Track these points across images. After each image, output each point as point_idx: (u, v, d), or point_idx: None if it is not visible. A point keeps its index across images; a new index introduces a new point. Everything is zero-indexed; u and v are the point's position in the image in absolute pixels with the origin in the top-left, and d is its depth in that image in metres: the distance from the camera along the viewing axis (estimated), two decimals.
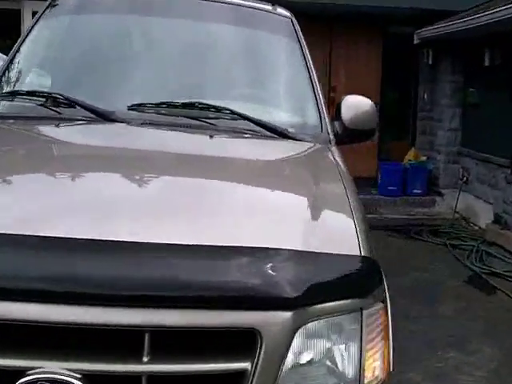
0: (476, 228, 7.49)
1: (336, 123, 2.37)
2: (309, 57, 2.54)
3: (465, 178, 8.10)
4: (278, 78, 2.58)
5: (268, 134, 2.12)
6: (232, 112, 2.14)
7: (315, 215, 1.49)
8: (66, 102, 2.08)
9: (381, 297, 1.41)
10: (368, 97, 2.46)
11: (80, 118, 2.04)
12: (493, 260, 6.12)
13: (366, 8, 7.99)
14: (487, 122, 7.50)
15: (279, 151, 2.11)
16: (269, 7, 2.75)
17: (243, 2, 2.72)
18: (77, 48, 2.53)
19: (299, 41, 2.58)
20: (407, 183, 8.52)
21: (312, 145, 2.16)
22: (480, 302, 5.02)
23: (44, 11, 2.59)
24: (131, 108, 2.10)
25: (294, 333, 1.24)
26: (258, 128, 2.12)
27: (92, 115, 2.04)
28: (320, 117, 2.33)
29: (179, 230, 1.34)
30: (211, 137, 2.01)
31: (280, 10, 2.77)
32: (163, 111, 2.11)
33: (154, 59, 2.45)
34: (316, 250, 1.34)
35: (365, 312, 1.33)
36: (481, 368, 3.85)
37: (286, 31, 2.64)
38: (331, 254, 1.36)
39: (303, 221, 1.45)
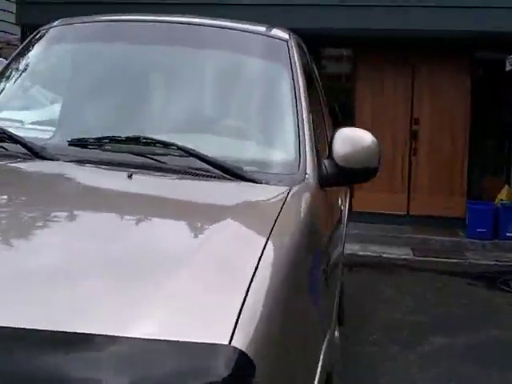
0: None
1: (326, 161, 1.97)
2: (300, 83, 2.17)
3: None
4: (251, 108, 2.23)
5: (220, 173, 1.78)
6: (178, 148, 1.83)
7: (189, 290, 1.12)
8: (7, 137, 1.93)
9: None
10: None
11: (18, 154, 1.88)
12: None
13: (449, 33, 7.35)
14: None
15: (206, 200, 1.72)
16: (262, 29, 2.44)
17: (231, 25, 2.45)
18: (39, 79, 2.52)
19: (291, 65, 2.22)
20: (499, 225, 7.61)
21: (270, 189, 1.76)
22: None
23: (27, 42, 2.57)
24: (72, 143, 1.92)
25: None
26: (207, 167, 1.79)
27: (27, 152, 1.87)
28: (299, 153, 1.94)
29: None
30: (129, 177, 1.70)
31: (275, 32, 2.43)
32: (107, 147, 1.89)
33: (115, 89, 2.29)
34: (149, 337, 0.99)
35: None
36: None
37: (275, 55, 2.31)
38: (166, 340, 0.98)
39: (163, 296, 1.09)
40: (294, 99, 2.10)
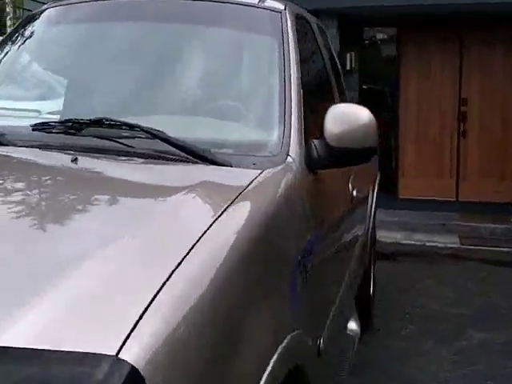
0: None
1: (316, 141, 1.79)
2: (291, 57, 2.00)
3: None
4: (232, 86, 2.09)
5: (186, 156, 1.63)
6: (142, 129, 1.69)
7: (88, 287, 0.95)
8: None
9: None
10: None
11: None
12: None
13: (501, 5, 6.86)
14: None
15: (153, 185, 1.57)
16: (255, 1, 2.27)
17: None
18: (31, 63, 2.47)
19: (283, 37, 2.06)
20: None
21: (236, 172, 1.59)
22: None
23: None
24: (35, 128, 1.82)
25: None
26: (173, 149, 1.64)
27: None
28: (283, 134, 1.77)
29: None
30: (74, 161, 1.58)
31: (269, 3, 2.26)
32: (71, 131, 1.77)
33: (102, 71, 2.22)
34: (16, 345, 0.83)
35: None
36: None
37: (266, 26, 2.16)
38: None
39: (54, 294, 0.93)
40: (282, 75, 1.93)
